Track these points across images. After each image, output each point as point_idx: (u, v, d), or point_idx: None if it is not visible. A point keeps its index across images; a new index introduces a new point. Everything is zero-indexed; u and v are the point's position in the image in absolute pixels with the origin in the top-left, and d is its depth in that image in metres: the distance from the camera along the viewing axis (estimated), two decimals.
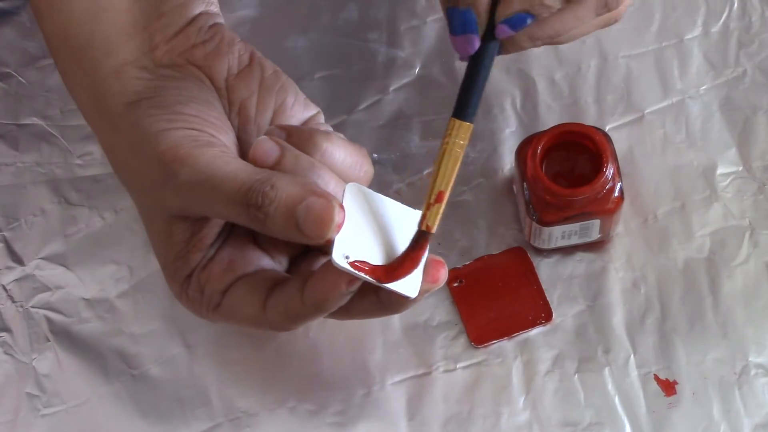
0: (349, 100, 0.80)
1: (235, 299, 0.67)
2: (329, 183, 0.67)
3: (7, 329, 0.76)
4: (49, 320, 0.76)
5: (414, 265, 0.65)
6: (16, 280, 0.77)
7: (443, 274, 0.66)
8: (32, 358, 0.76)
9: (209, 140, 0.66)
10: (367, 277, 0.64)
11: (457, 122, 0.65)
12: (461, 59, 0.66)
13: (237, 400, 0.74)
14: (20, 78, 0.81)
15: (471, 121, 0.65)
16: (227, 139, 0.68)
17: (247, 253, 0.68)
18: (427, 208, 0.65)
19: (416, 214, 0.66)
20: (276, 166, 0.66)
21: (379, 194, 0.66)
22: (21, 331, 0.76)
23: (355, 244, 0.64)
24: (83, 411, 0.75)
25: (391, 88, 0.80)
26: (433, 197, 0.64)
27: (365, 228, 0.65)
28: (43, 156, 0.80)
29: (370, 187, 0.78)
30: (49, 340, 0.76)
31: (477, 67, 0.65)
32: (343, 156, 0.68)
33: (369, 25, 0.82)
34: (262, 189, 0.63)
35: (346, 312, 0.67)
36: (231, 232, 0.68)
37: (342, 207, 0.63)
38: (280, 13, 0.82)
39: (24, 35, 0.82)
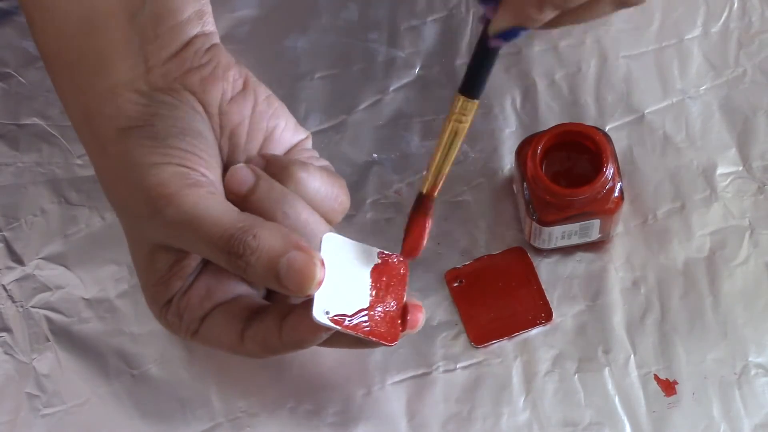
0: (349, 100, 0.80)
1: (213, 327, 0.68)
2: (301, 213, 0.67)
3: (7, 329, 0.76)
4: (49, 320, 0.76)
5: (421, 231, 0.67)
6: (16, 280, 0.77)
7: (421, 319, 0.68)
8: (32, 358, 0.76)
9: (198, 179, 0.66)
10: (348, 331, 0.65)
11: (462, 99, 0.64)
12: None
13: (237, 400, 0.74)
14: (20, 78, 0.81)
15: (477, 99, 0.64)
16: (215, 175, 0.68)
17: (224, 280, 0.68)
18: (429, 181, 0.66)
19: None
20: (250, 195, 0.67)
21: (355, 242, 0.67)
22: (21, 331, 0.76)
23: (334, 297, 0.65)
24: (83, 411, 0.75)
25: (391, 88, 0.80)
26: (437, 176, 0.66)
27: (344, 279, 0.66)
28: (43, 156, 0.80)
29: (370, 187, 0.78)
30: (49, 340, 0.76)
31: (486, 47, 0.63)
32: (317, 186, 0.69)
33: (369, 25, 0.82)
34: (244, 238, 0.64)
35: (327, 343, 0.68)
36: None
37: (323, 263, 0.64)
38: (280, 13, 0.82)
39: (24, 35, 0.82)
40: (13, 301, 0.77)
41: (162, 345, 0.76)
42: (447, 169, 0.66)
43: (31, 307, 0.77)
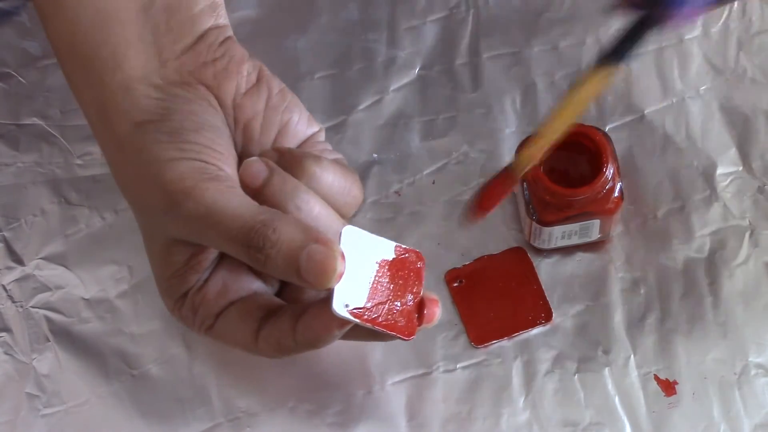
0: (349, 100, 0.80)
1: (228, 325, 0.68)
2: (314, 208, 0.67)
3: (7, 329, 0.76)
4: (49, 320, 0.76)
5: (502, 190, 0.66)
6: (16, 280, 0.77)
7: (438, 313, 0.67)
8: (32, 358, 0.76)
9: (216, 174, 0.66)
10: (367, 324, 0.65)
11: (603, 69, 0.64)
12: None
13: (237, 400, 0.74)
14: (20, 78, 0.81)
15: (618, 65, 0.64)
16: (231, 169, 0.68)
17: (241, 277, 0.68)
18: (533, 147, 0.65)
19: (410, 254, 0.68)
20: (263, 188, 0.67)
21: (374, 235, 0.67)
22: (21, 331, 0.76)
23: (353, 290, 0.65)
24: (83, 411, 0.75)
25: (391, 88, 0.80)
26: (542, 139, 0.65)
27: (363, 272, 0.66)
28: (43, 156, 0.80)
29: (370, 187, 0.78)
30: (49, 340, 0.76)
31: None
32: (331, 180, 0.69)
33: (369, 25, 0.82)
34: (264, 232, 0.64)
35: (344, 335, 0.67)
36: (224, 254, 0.68)
37: (343, 256, 0.64)
38: (280, 13, 0.82)
39: (24, 35, 0.82)
40: (13, 301, 0.77)
41: (162, 345, 0.76)
42: (556, 136, 0.65)
43: (31, 307, 0.77)
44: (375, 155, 0.79)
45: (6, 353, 0.76)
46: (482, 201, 0.66)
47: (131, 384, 0.75)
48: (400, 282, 0.67)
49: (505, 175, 0.65)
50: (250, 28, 0.82)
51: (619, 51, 0.64)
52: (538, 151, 0.64)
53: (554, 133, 0.64)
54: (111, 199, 0.78)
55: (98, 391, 0.75)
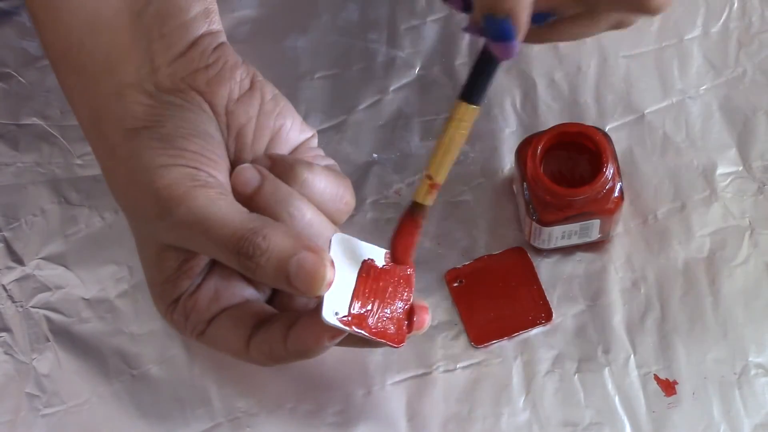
0: (349, 100, 0.80)
1: (219, 331, 0.68)
2: (306, 214, 0.67)
3: (7, 329, 0.76)
4: (49, 320, 0.76)
5: (410, 239, 0.65)
6: (16, 280, 0.77)
7: (427, 320, 0.68)
8: (32, 358, 0.76)
9: (207, 180, 0.66)
10: (357, 331, 0.65)
11: (464, 105, 0.63)
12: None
13: (237, 400, 0.74)
14: (20, 78, 0.81)
15: (479, 105, 0.63)
16: (223, 176, 0.68)
17: (233, 283, 0.69)
18: (423, 188, 0.65)
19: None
20: (255, 195, 0.67)
21: (364, 242, 0.67)
22: (21, 331, 0.76)
23: (343, 298, 0.65)
24: (83, 411, 0.75)
25: (391, 88, 0.80)
26: (427, 182, 0.64)
27: (352, 279, 0.66)
28: (43, 156, 0.80)
29: (370, 187, 0.78)
30: (49, 340, 0.76)
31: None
32: (323, 187, 0.69)
33: (369, 25, 0.82)
34: (254, 240, 0.64)
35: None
36: (217, 260, 0.68)
37: (333, 264, 0.64)
38: (280, 13, 0.82)
39: (24, 35, 0.82)
40: (13, 301, 0.77)
41: (162, 345, 0.76)
42: (443, 177, 0.65)
43: (31, 307, 0.77)
44: (375, 155, 0.79)
45: (6, 353, 0.76)
46: (396, 253, 0.66)
47: (131, 384, 0.75)
48: (390, 289, 0.67)
49: (409, 219, 0.66)
50: (250, 28, 0.82)
51: (471, 90, 0.63)
52: (430, 193, 0.65)
53: (441, 175, 0.64)
54: (111, 199, 0.77)
55: (98, 391, 0.75)
